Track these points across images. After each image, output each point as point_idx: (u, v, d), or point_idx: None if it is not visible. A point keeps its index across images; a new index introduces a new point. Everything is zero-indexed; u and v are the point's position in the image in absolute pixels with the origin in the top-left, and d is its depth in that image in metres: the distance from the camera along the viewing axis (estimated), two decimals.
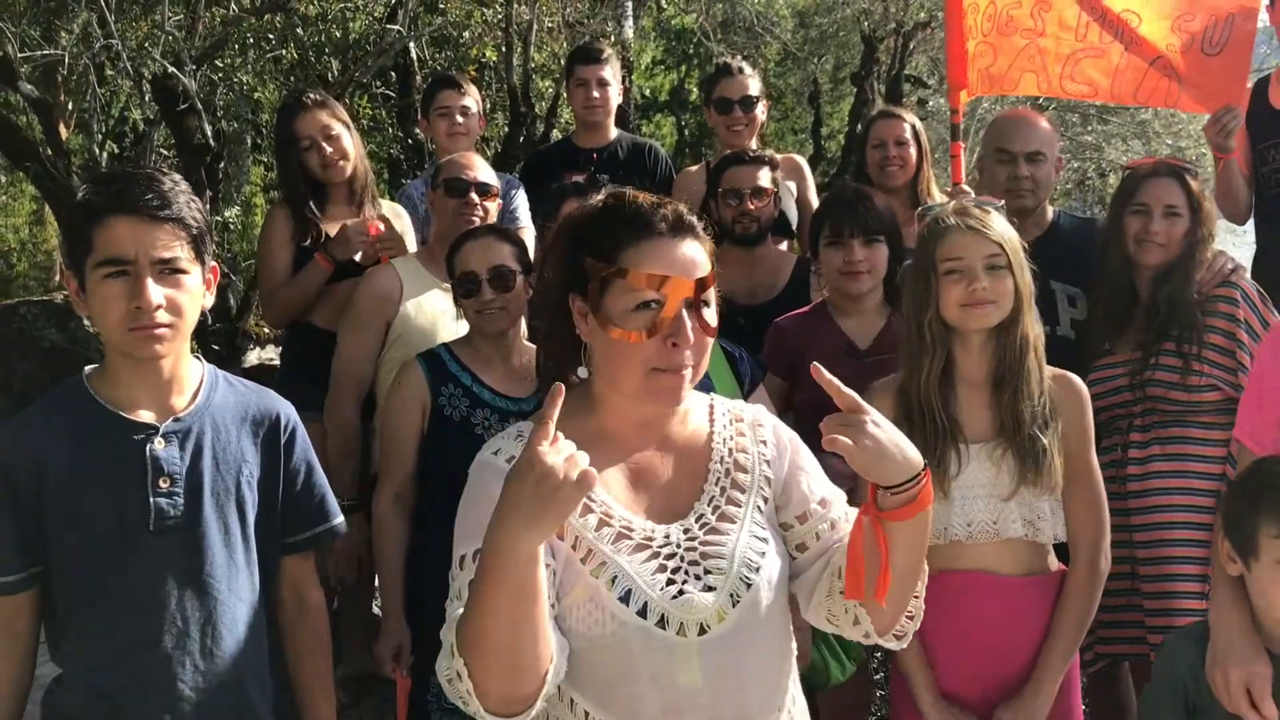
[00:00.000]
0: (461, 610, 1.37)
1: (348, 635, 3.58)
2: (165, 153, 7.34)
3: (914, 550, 1.54)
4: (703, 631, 1.51)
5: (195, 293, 1.82)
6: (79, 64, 6.16)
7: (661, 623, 1.49)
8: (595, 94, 4.12)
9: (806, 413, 2.68)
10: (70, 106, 7.31)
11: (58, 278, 10.69)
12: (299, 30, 6.69)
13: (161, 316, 1.76)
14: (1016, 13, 3.39)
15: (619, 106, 4.30)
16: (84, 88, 7.12)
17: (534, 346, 2.65)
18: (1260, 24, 3.41)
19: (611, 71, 4.17)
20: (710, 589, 1.52)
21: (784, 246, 3.95)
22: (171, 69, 5.37)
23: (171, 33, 5.38)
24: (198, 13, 6.10)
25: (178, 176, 1.86)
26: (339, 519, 2.07)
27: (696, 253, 1.55)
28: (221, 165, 7.03)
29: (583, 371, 1.62)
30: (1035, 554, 2.36)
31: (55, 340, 7.11)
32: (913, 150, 3.77)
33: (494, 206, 3.27)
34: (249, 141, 9.62)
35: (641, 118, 12.81)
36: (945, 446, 2.29)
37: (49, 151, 6.01)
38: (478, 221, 3.10)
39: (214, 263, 1.91)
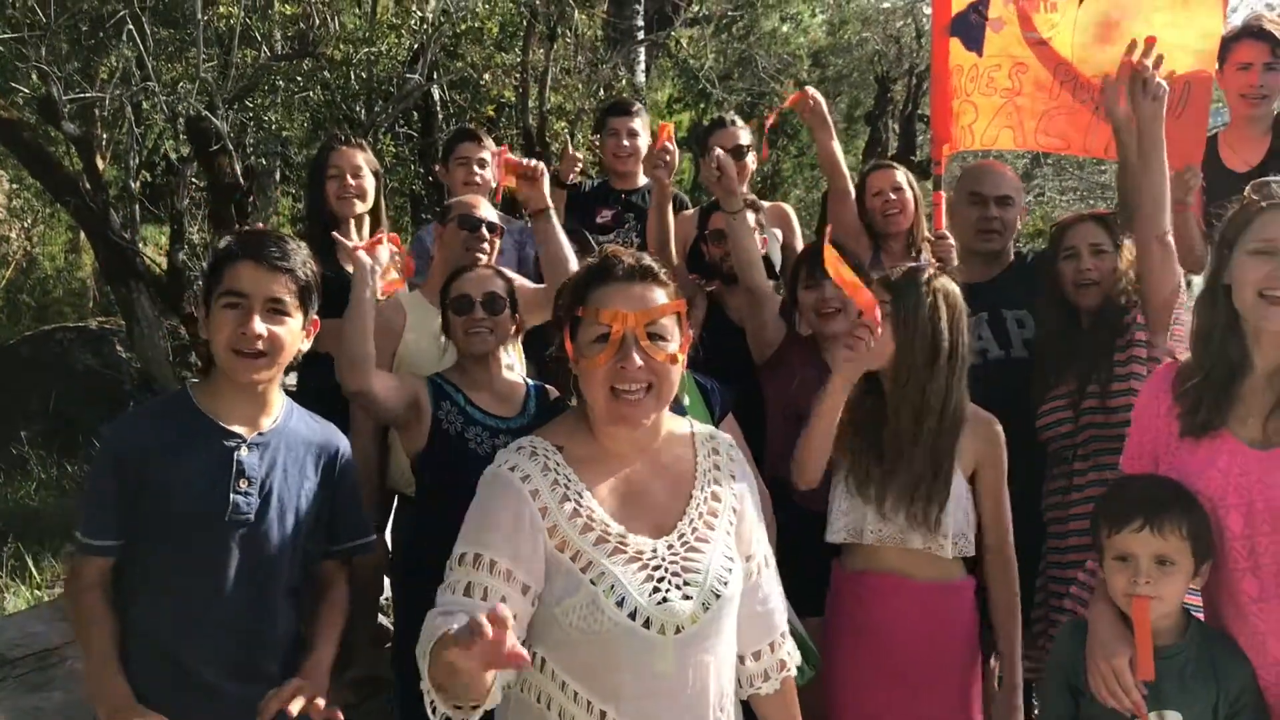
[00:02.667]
0: (436, 635, 1.66)
1: (356, 640, 3.83)
2: (197, 182, 7.64)
3: None
4: (678, 631, 1.82)
5: (295, 334, 2.22)
6: (117, 102, 6.49)
7: (646, 624, 1.79)
8: (625, 143, 4.47)
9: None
10: (105, 139, 7.67)
11: (91, 304, 11.09)
12: (326, 73, 7.03)
13: (261, 346, 2.14)
14: (996, 74, 3.64)
15: None
16: (120, 122, 7.49)
17: (515, 379, 2.98)
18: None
19: (641, 123, 4.52)
20: (688, 597, 1.83)
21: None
22: (205, 112, 5.69)
23: (206, 78, 5.71)
24: (230, 57, 6.43)
25: (301, 242, 2.28)
26: (372, 537, 2.49)
27: (647, 292, 1.89)
28: (250, 199, 7.38)
29: (574, 401, 1.96)
30: (944, 562, 2.64)
31: (90, 364, 7.44)
32: (909, 195, 4.05)
33: (497, 245, 3.56)
34: (277, 174, 10.01)
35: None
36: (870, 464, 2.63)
37: (88, 186, 6.33)
38: (484, 256, 3.39)
39: (316, 316, 2.30)
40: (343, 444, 2.41)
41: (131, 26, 5.99)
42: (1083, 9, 3.56)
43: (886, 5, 12.84)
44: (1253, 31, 3.72)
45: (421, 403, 2.89)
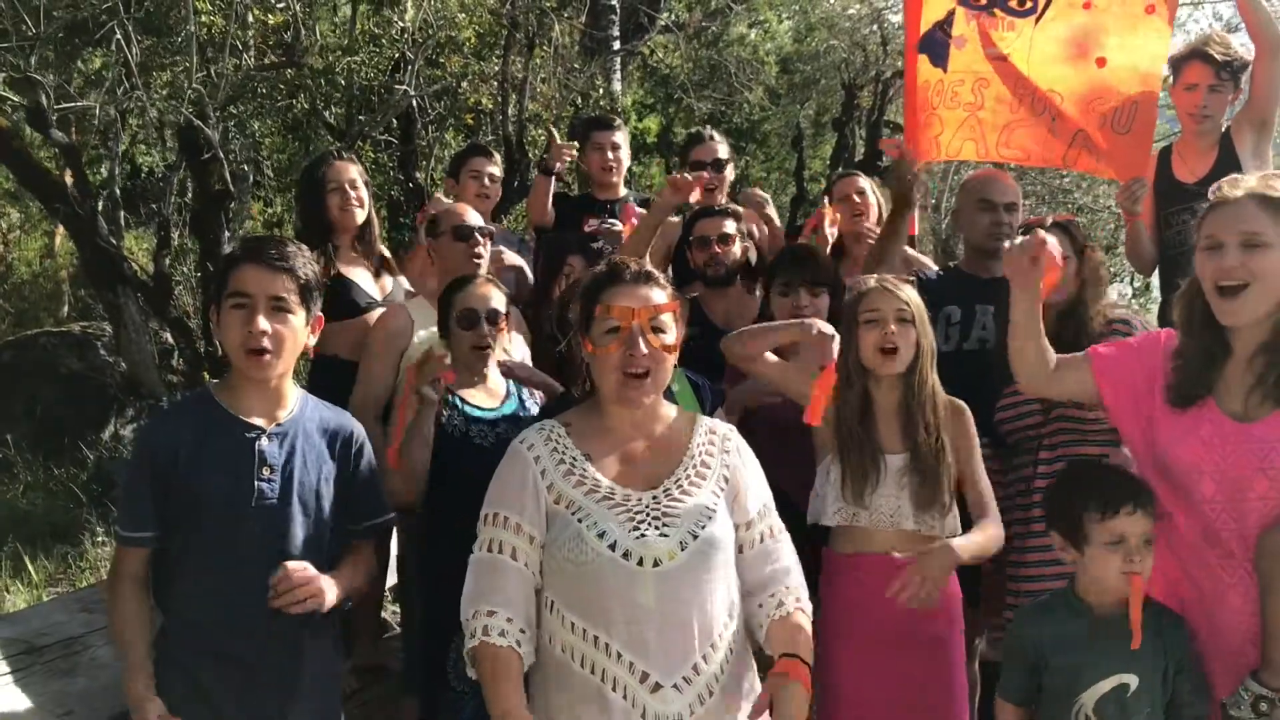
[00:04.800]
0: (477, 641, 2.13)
1: (359, 630, 4.01)
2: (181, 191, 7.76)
3: None
4: (656, 564, 2.12)
5: (299, 330, 2.40)
6: (106, 111, 6.60)
7: (625, 555, 2.12)
8: (610, 156, 4.70)
9: (763, 426, 3.16)
10: (95, 147, 7.77)
11: (65, 310, 11.11)
12: (309, 82, 7.17)
13: (266, 342, 2.31)
14: (960, 89, 3.85)
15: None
16: (110, 131, 7.59)
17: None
18: (1161, 99, 3.89)
19: (623, 136, 4.76)
20: (664, 535, 2.15)
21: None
22: (197, 121, 5.83)
23: (197, 87, 5.84)
24: (214, 66, 6.56)
25: (302, 245, 2.46)
26: (390, 514, 2.65)
27: (650, 292, 2.25)
28: (231, 205, 7.50)
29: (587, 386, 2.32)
30: (930, 537, 2.84)
31: (74, 368, 7.50)
32: (872, 199, 4.29)
33: (489, 247, 3.79)
34: (251, 179, 10.12)
35: (631, 160, 13.18)
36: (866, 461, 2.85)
37: (76, 194, 6.44)
38: (481, 261, 3.65)
39: (319, 313, 2.47)
40: (357, 428, 2.58)
41: (119, 35, 6.10)
42: (1039, 30, 3.77)
43: (852, 12, 13.03)
44: (1199, 55, 3.97)
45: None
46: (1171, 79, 4.12)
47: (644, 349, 2.19)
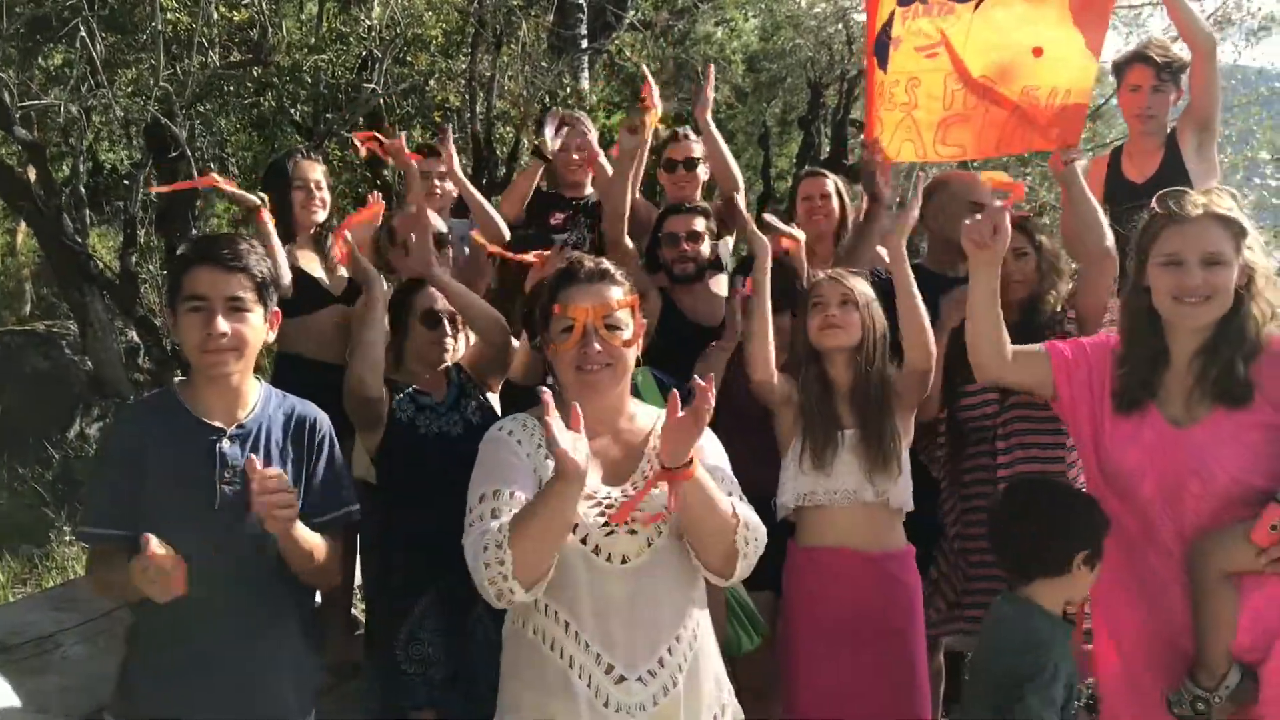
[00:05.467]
0: (507, 520, 2.06)
1: (330, 626, 4.03)
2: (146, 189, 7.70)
3: (704, 510, 2.15)
4: (624, 561, 2.19)
5: (258, 328, 2.39)
6: (68, 110, 6.56)
7: (596, 550, 2.18)
8: (575, 155, 4.74)
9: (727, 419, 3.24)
10: (54, 144, 7.71)
11: (28, 308, 11.01)
12: (275, 80, 7.16)
13: (226, 343, 2.31)
14: (895, 90, 3.89)
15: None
16: (67, 126, 7.54)
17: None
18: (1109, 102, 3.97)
19: (592, 137, 4.76)
20: (633, 531, 2.20)
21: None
22: (165, 120, 5.81)
23: (163, 85, 5.83)
24: (179, 64, 6.54)
25: (254, 241, 2.45)
26: (354, 506, 2.60)
27: (604, 290, 2.29)
28: (198, 203, 7.49)
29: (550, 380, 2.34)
30: (889, 527, 3.00)
31: (39, 367, 7.46)
32: (835, 203, 4.35)
33: (450, 254, 3.90)
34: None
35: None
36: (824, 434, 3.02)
37: (41, 192, 6.40)
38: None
39: (276, 308, 2.46)
40: (321, 418, 2.56)
41: (83, 32, 6.07)
42: (978, 15, 3.79)
43: (818, 10, 13.12)
44: (1141, 57, 4.08)
45: (385, 399, 3.19)
46: (1116, 82, 4.21)
47: (597, 347, 2.24)
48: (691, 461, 2.06)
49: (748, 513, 2.27)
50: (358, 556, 4.00)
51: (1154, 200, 2.55)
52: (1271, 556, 2.33)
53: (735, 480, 2.38)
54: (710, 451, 2.38)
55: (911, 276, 3.10)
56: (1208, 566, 2.44)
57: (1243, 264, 2.44)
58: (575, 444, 1.97)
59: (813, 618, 2.97)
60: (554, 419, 1.95)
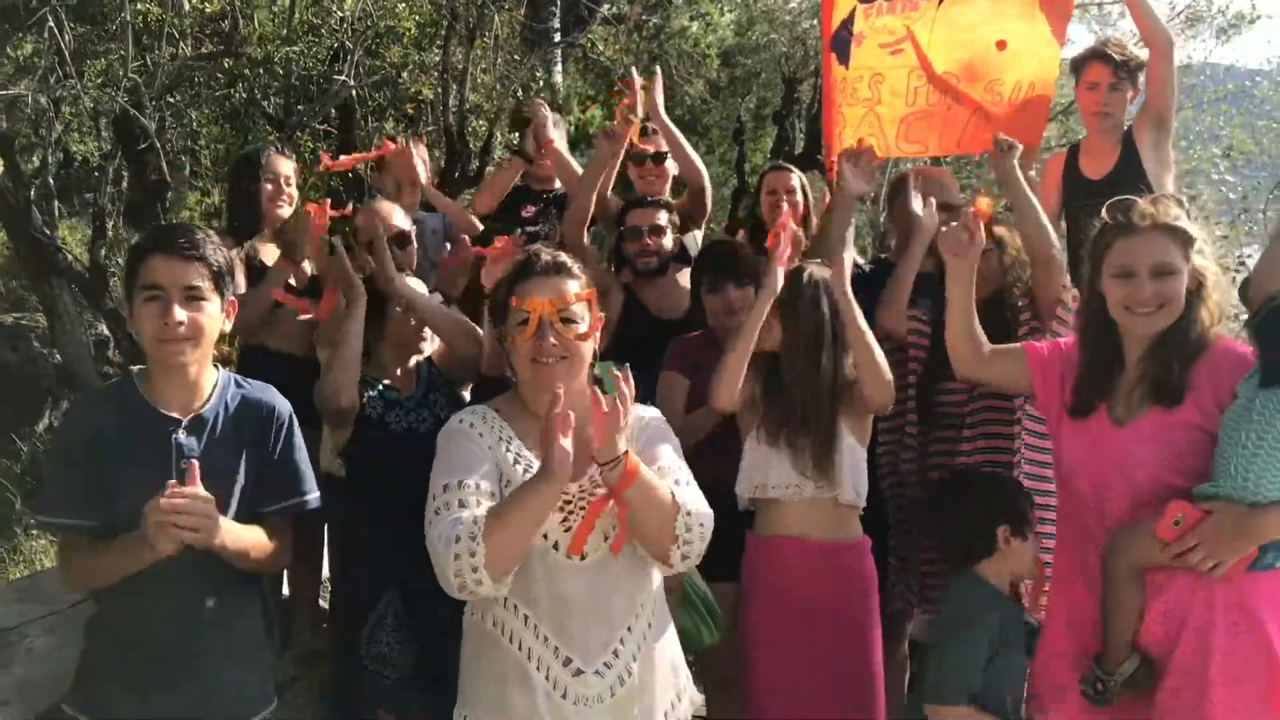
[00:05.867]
0: (481, 513, 2.09)
1: (296, 618, 4.06)
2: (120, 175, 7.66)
3: (643, 504, 2.18)
4: (583, 557, 2.23)
5: (215, 317, 2.39)
6: (37, 101, 6.53)
7: (556, 546, 2.21)
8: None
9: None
10: (22, 136, 7.65)
11: None
12: (247, 72, 7.14)
13: (183, 332, 2.31)
14: (858, 86, 3.97)
15: None
16: (35, 117, 7.49)
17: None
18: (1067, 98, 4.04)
19: (559, 133, 4.78)
20: (590, 527, 2.20)
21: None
22: (134, 111, 5.80)
23: (132, 76, 5.81)
24: (150, 55, 6.51)
25: (210, 230, 2.44)
26: (312, 494, 2.57)
27: (560, 284, 2.32)
28: (169, 195, 7.44)
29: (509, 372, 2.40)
30: (841, 519, 3.05)
31: (7, 359, 7.38)
32: (799, 198, 4.40)
33: (414, 252, 3.95)
34: (188, 169, 10.02)
35: (573, 151, 13.18)
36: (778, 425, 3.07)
37: (9, 183, 6.36)
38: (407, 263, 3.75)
39: (233, 297, 2.46)
40: (281, 405, 2.53)
41: (51, 22, 6.04)
42: (942, 10, 3.87)
43: (793, 5, 13.15)
44: (1099, 55, 4.14)
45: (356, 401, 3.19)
46: (1074, 80, 4.28)
47: (553, 340, 2.28)
48: (627, 464, 2.10)
49: (691, 499, 2.28)
50: (325, 549, 4.06)
51: (1104, 210, 2.62)
52: (1174, 551, 2.40)
53: (685, 466, 2.41)
54: (666, 456, 2.39)
55: (859, 313, 3.06)
56: (1117, 560, 2.54)
57: (1192, 269, 2.53)
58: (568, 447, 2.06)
59: (769, 606, 3.03)
60: (559, 418, 2.02)
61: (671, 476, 2.33)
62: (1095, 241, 2.63)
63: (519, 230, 4.24)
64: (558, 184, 4.87)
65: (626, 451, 2.11)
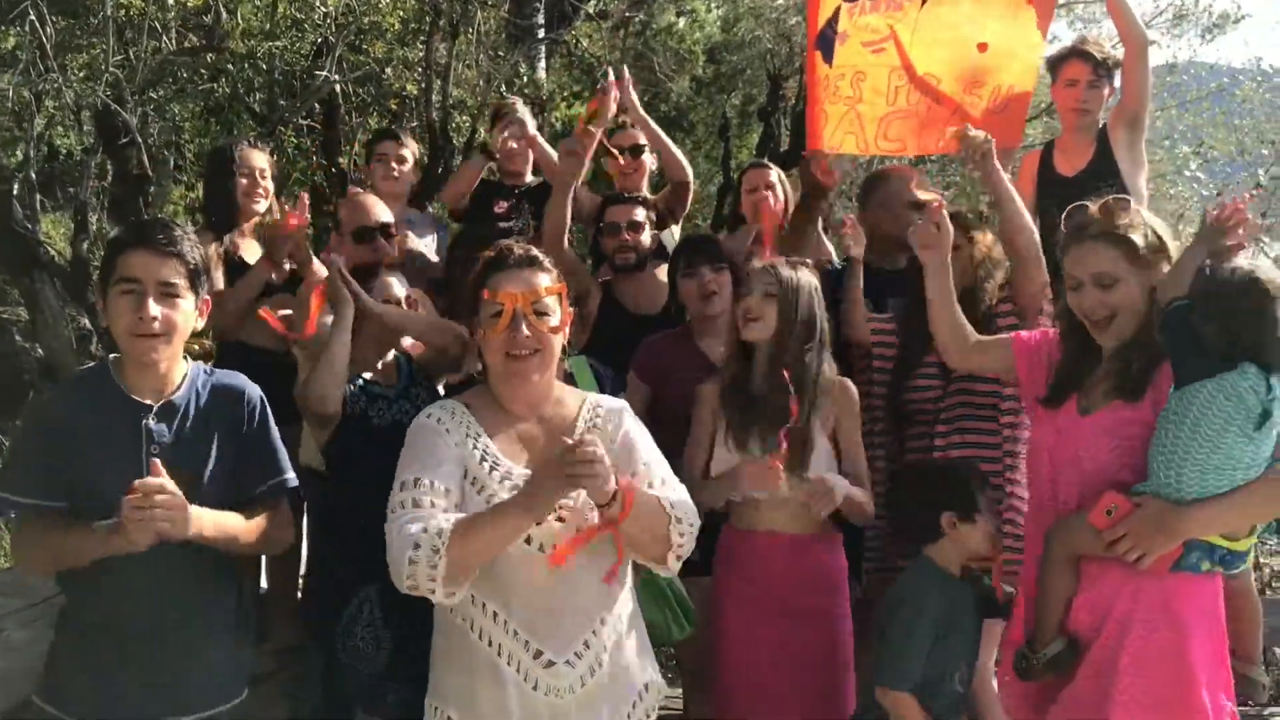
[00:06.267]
0: (449, 527, 2.10)
1: (274, 612, 4.07)
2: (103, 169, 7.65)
3: (640, 527, 2.24)
4: (553, 549, 2.22)
5: (188, 314, 2.41)
6: (19, 94, 6.52)
7: (527, 541, 2.22)
8: (513, 144, 4.78)
9: (666, 419, 3.27)
10: (4, 129, 7.64)
11: None
12: (230, 67, 7.13)
13: (156, 327, 2.33)
14: (840, 84, 3.97)
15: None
16: (17, 110, 7.47)
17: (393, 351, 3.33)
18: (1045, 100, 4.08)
19: (530, 127, 4.80)
20: (561, 520, 2.24)
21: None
22: (115, 106, 5.79)
23: (115, 71, 5.80)
24: (132, 49, 6.51)
25: (189, 227, 2.46)
26: (289, 474, 2.59)
27: (532, 277, 2.34)
28: (151, 189, 7.44)
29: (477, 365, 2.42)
30: (814, 516, 3.05)
31: None
32: (779, 193, 4.43)
33: (397, 243, 3.90)
34: (171, 163, 10.01)
35: (556, 147, 13.12)
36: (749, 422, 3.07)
37: None
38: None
39: (207, 295, 2.48)
40: (250, 390, 2.55)
41: (33, 15, 6.03)
42: (924, 11, 3.89)
43: (780, 2, 13.17)
44: (1078, 53, 4.18)
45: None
46: (1052, 78, 4.32)
47: (526, 332, 2.30)
48: (625, 497, 2.14)
49: (677, 498, 2.33)
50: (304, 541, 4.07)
51: (1062, 218, 2.69)
52: (1108, 539, 2.46)
53: (662, 457, 2.45)
54: (642, 448, 2.43)
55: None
56: (1056, 546, 2.61)
57: (1156, 273, 2.57)
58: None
59: (741, 598, 3.06)
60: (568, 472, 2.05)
61: (656, 473, 2.39)
62: (1061, 249, 2.70)
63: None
64: (530, 178, 4.88)
65: (620, 484, 2.15)
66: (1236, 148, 11.79)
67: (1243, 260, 2.51)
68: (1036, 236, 3.44)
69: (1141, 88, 4.11)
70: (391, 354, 3.37)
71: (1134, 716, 2.44)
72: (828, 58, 3.94)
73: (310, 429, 3.26)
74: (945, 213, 2.85)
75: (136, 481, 2.17)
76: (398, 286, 3.42)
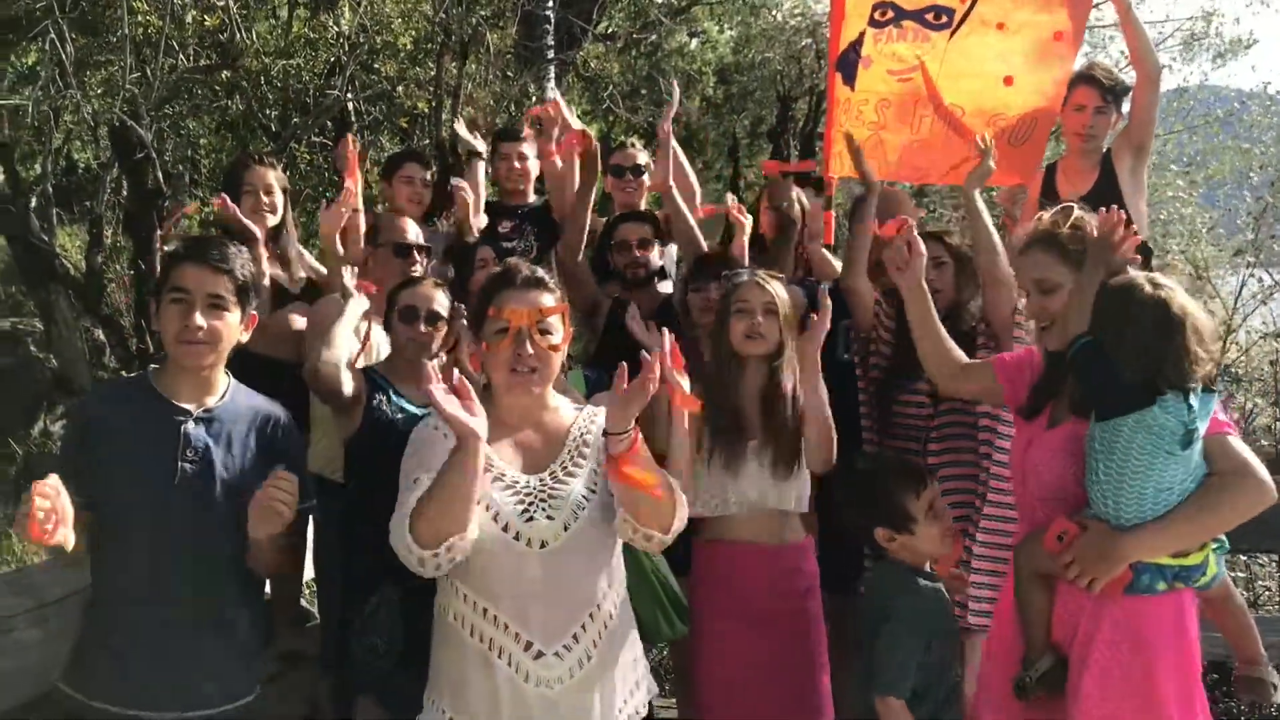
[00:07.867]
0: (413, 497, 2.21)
1: (278, 617, 4.12)
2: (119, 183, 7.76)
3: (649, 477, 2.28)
4: (543, 545, 2.31)
5: (234, 327, 2.54)
6: (38, 109, 6.63)
7: (516, 537, 2.30)
8: (517, 165, 4.90)
9: None
10: (24, 143, 7.76)
11: None
12: (244, 84, 7.24)
13: (201, 336, 2.46)
14: (864, 109, 4.04)
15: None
16: (36, 125, 7.59)
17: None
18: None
19: (529, 147, 4.90)
20: (551, 518, 2.33)
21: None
22: (130, 122, 5.89)
23: (132, 88, 5.90)
24: (149, 66, 6.61)
25: (242, 246, 2.60)
26: (310, 502, 2.68)
27: (538, 297, 2.42)
28: (166, 204, 7.54)
29: (481, 377, 2.47)
30: (787, 523, 3.16)
31: (4, 364, 7.49)
32: (796, 209, 4.49)
33: (425, 263, 4.00)
34: (187, 178, 10.14)
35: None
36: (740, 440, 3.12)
37: (8, 190, 6.46)
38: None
39: (254, 312, 2.60)
40: (283, 414, 2.70)
41: (53, 34, 6.14)
42: (952, 44, 3.96)
43: (792, 24, 13.25)
44: (1087, 78, 4.19)
45: (361, 392, 3.26)
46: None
47: (530, 349, 2.38)
48: (635, 436, 2.20)
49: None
50: (310, 551, 4.12)
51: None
52: (1063, 562, 2.45)
53: (662, 471, 2.49)
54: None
55: (821, 380, 3.12)
56: (1022, 563, 2.60)
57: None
58: (466, 409, 2.12)
59: (714, 607, 3.12)
60: (436, 389, 2.09)
61: None
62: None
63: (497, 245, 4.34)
64: (532, 199, 4.98)
65: (636, 426, 2.21)
66: (1243, 168, 11.81)
67: (1144, 281, 2.42)
68: (1006, 261, 3.42)
69: (1149, 115, 4.14)
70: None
71: None
72: (849, 80, 4.00)
73: (334, 416, 3.35)
74: (914, 232, 2.83)
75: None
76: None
